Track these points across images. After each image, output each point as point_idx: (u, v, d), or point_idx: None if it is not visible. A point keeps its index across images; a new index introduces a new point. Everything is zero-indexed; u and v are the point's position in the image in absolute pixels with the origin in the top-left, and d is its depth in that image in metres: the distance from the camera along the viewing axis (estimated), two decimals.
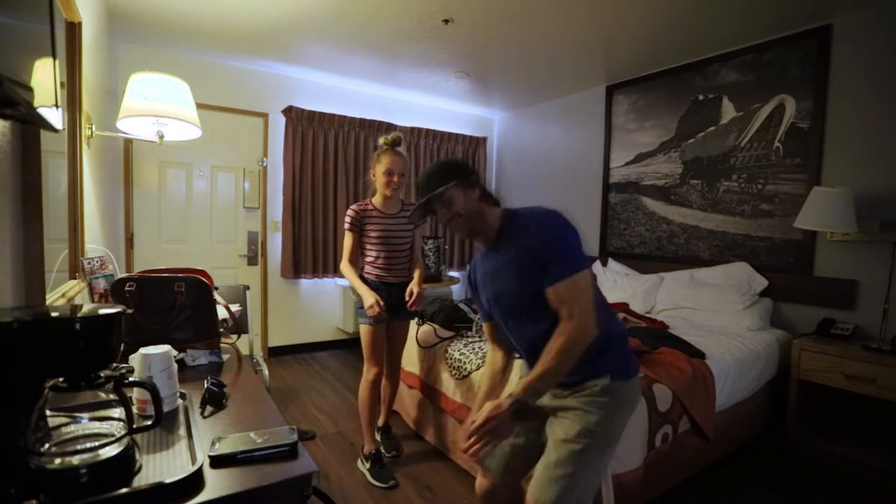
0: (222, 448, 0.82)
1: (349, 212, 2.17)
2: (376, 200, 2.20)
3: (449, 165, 1.30)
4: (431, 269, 3.89)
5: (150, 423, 0.79)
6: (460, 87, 4.13)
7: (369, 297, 2.05)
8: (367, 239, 2.18)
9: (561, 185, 4.37)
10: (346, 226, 2.16)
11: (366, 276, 2.22)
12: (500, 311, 1.31)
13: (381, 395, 2.47)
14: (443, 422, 2.30)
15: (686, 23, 2.76)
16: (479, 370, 2.05)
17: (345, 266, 2.17)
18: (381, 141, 2.16)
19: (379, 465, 2.11)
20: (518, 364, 1.53)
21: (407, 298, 2.15)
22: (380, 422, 2.44)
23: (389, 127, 4.33)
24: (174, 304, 1.38)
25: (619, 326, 1.31)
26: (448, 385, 2.20)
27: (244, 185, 3.84)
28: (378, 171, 2.13)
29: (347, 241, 2.17)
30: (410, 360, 2.53)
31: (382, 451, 2.31)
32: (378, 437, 2.39)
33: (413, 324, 2.53)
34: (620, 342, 1.27)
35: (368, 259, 2.22)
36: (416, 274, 2.25)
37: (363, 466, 2.17)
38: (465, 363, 2.14)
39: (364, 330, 2.17)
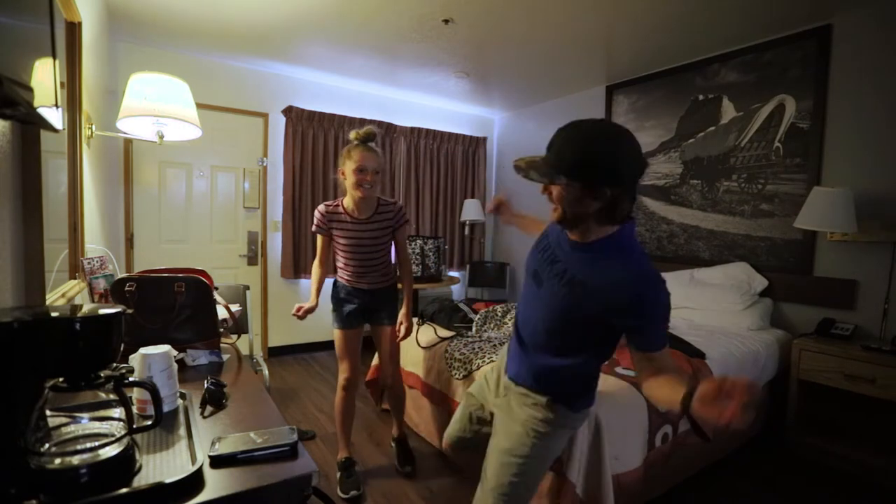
0: (222, 448, 0.82)
1: (316, 212, 2.01)
2: (347, 203, 1.99)
3: (595, 156, 0.97)
4: (431, 270, 3.89)
5: (150, 423, 0.79)
6: (460, 87, 4.13)
7: (307, 303, 1.95)
8: (335, 243, 2.03)
9: None
10: (314, 227, 2.02)
11: (338, 279, 2.11)
12: (526, 301, 1.25)
13: (384, 402, 2.38)
14: (443, 422, 2.30)
15: (686, 23, 2.76)
16: (480, 370, 2.05)
17: (314, 267, 2.07)
18: (351, 135, 1.92)
19: (346, 473, 2.03)
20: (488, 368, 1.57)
21: (398, 332, 2.05)
22: (393, 431, 2.33)
23: (389, 127, 4.33)
24: (174, 304, 1.38)
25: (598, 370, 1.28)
26: (448, 385, 2.20)
27: (244, 185, 3.84)
28: (348, 169, 1.89)
29: (319, 242, 2.05)
30: (411, 360, 2.53)
31: (397, 465, 2.22)
32: (393, 448, 2.31)
33: (413, 323, 2.49)
34: (595, 384, 1.26)
35: (339, 264, 2.07)
36: (405, 300, 2.06)
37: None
38: (465, 363, 2.14)
39: (334, 334, 2.10)
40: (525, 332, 1.25)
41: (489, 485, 1.21)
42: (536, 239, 1.29)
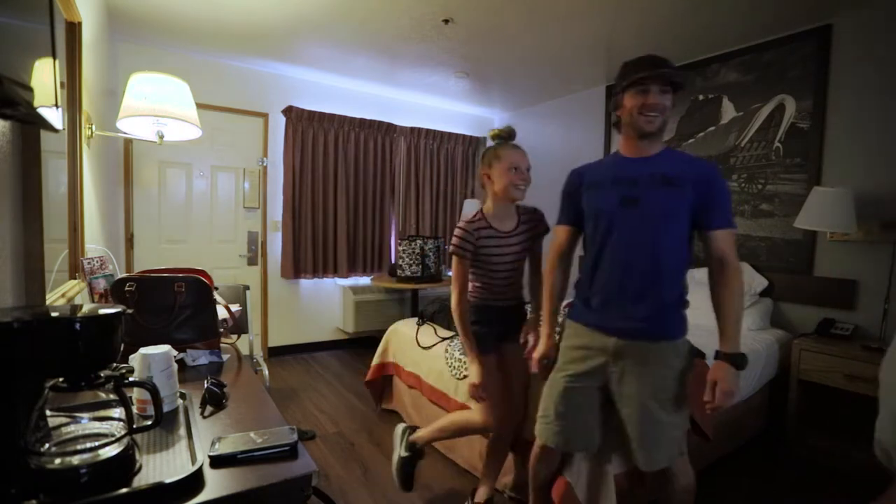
0: (222, 448, 0.82)
1: (460, 231, 1.65)
2: (489, 214, 1.70)
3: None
4: (431, 269, 3.89)
5: (150, 423, 0.79)
6: (460, 87, 4.13)
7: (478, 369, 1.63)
8: (478, 262, 1.69)
9: (561, 184, 4.36)
10: (457, 249, 1.65)
11: (469, 297, 1.74)
12: (625, 216, 1.40)
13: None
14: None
15: (686, 23, 2.76)
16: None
17: (458, 311, 1.67)
18: (491, 134, 1.71)
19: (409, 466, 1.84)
20: None
21: (522, 341, 1.72)
22: (480, 495, 1.82)
23: (389, 127, 4.33)
24: (174, 304, 1.38)
25: None
26: (448, 385, 2.20)
27: (244, 185, 3.84)
28: (497, 171, 1.64)
29: (458, 271, 1.67)
30: (411, 360, 2.53)
31: None
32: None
33: (413, 323, 2.43)
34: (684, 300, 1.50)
35: (476, 283, 1.75)
36: (546, 319, 1.58)
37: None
38: (465, 363, 2.13)
39: (470, 369, 1.68)
40: (628, 273, 1.43)
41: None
42: (569, 196, 1.66)
